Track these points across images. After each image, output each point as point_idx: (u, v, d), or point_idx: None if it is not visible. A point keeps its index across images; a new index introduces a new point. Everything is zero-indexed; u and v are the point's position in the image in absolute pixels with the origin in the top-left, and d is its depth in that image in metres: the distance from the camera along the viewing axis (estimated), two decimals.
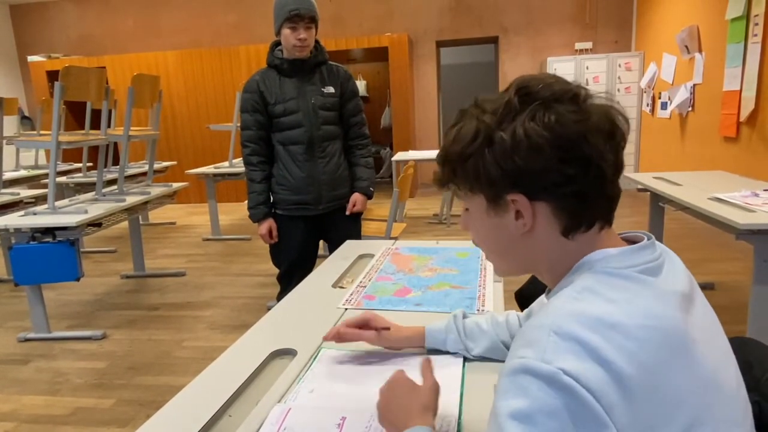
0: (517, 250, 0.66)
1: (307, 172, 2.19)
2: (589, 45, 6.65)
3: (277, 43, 2.16)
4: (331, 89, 2.19)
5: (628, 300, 0.56)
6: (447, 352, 1.00)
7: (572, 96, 0.60)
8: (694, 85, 4.96)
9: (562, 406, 0.49)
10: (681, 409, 0.52)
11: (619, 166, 0.62)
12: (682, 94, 5.15)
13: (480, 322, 1.01)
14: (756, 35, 3.88)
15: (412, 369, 0.97)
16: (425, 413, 0.71)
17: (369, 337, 1.01)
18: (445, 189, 0.68)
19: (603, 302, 0.55)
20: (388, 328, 1.01)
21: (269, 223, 2.25)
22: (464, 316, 1.02)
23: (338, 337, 1.02)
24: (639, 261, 0.60)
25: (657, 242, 0.66)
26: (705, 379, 0.55)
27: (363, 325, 1.02)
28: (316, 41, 2.16)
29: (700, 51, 4.84)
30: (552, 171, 0.59)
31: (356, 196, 2.31)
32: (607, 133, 0.60)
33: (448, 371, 0.95)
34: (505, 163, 0.60)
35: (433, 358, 0.98)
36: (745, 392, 0.62)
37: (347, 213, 2.32)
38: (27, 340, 2.88)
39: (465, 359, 0.99)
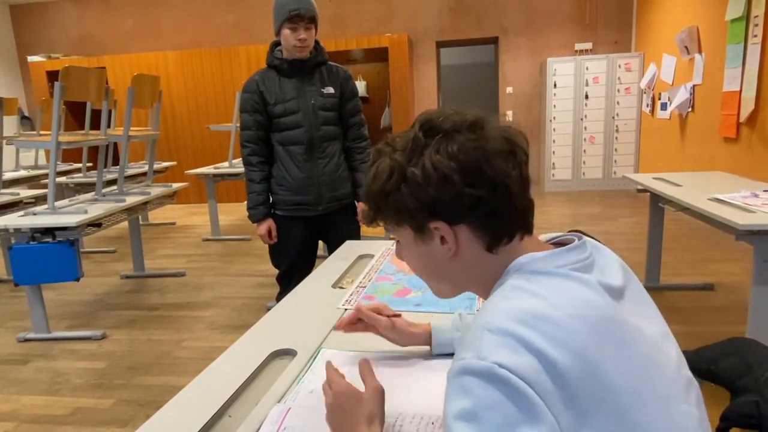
0: (449, 273, 0.71)
1: (307, 173, 2.19)
2: (589, 46, 6.66)
3: (277, 44, 2.16)
4: (330, 90, 2.19)
5: (554, 293, 0.59)
6: (441, 356, 1.00)
7: (469, 125, 0.65)
8: (694, 85, 4.96)
9: (503, 397, 0.51)
10: (616, 391, 0.55)
11: (525, 180, 0.67)
12: (681, 95, 5.15)
13: None
14: (756, 36, 3.89)
15: (413, 369, 0.98)
16: (371, 423, 0.72)
17: (382, 322, 0.99)
18: (374, 225, 0.73)
19: (530, 297, 0.59)
20: (399, 315, 1.01)
21: (268, 224, 2.25)
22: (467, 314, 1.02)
23: (350, 322, 1.01)
24: (566, 262, 0.64)
25: (589, 240, 0.70)
26: (639, 360, 0.58)
27: (375, 312, 1.01)
28: (316, 42, 2.16)
29: (699, 52, 4.84)
30: (463, 196, 0.63)
31: (362, 205, 2.34)
32: (508, 153, 0.65)
33: (442, 374, 0.95)
34: (420, 195, 0.65)
35: (429, 362, 0.99)
36: (688, 372, 0.65)
37: (358, 227, 2.36)
38: (27, 340, 2.88)
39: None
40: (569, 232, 0.73)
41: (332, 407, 0.76)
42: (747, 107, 4.01)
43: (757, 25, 3.87)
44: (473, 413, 0.52)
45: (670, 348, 0.65)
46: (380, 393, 0.76)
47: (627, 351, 0.57)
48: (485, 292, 0.70)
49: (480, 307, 1.15)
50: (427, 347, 1.02)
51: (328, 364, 0.83)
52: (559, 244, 0.71)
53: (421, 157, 0.65)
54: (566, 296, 0.59)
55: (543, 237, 0.74)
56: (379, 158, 0.69)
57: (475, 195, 0.63)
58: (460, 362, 0.56)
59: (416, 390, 0.91)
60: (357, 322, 1.02)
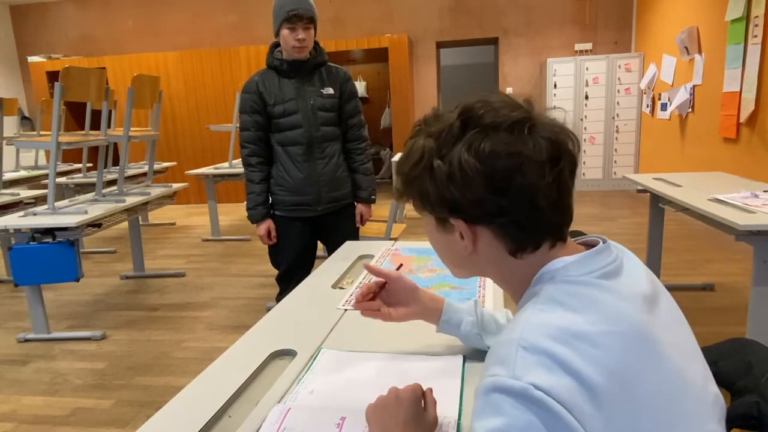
0: (468, 265, 0.69)
1: (306, 173, 2.19)
2: (588, 46, 6.66)
3: (277, 45, 2.16)
4: (330, 90, 2.19)
5: (589, 308, 0.57)
6: (447, 355, 1.00)
7: (512, 123, 0.60)
8: (694, 86, 4.96)
9: (537, 420, 0.49)
10: (651, 410, 0.53)
11: (563, 191, 0.62)
12: (681, 95, 5.15)
13: (497, 316, 1.00)
14: (756, 36, 3.89)
15: (413, 370, 0.98)
16: (406, 427, 0.70)
17: (392, 275, 0.97)
18: (402, 201, 0.70)
19: (566, 312, 0.56)
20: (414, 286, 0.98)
21: (268, 224, 2.25)
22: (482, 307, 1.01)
23: (364, 297, 0.97)
24: (597, 266, 0.61)
25: (612, 243, 0.67)
26: (672, 377, 0.56)
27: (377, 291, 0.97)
28: (316, 42, 2.16)
29: (699, 52, 4.84)
30: (485, 201, 0.60)
31: (360, 208, 2.35)
32: (548, 161, 0.60)
33: (448, 372, 0.95)
34: (442, 190, 0.62)
35: (428, 363, 0.99)
36: (714, 387, 0.63)
37: (357, 227, 2.37)
38: (26, 340, 2.88)
39: (464, 359, 0.99)
40: (591, 234, 0.70)
41: (372, 412, 0.75)
42: (747, 108, 4.01)
43: (757, 25, 3.87)
44: None
45: (698, 363, 0.62)
46: (416, 397, 0.74)
47: (661, 368, 0.55)
48: (509, 290, 0.68)
49: (509, 317, 1.09)
50: (430, 346, 1.02)
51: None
52: (585, 245, 0.67)
53: (451, 150, 0.61)
54: (602, 310, 0.56)
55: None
56: (415, 136, 0.66)
57: (498, 203, 0.60)
58: (493, 379, 0.53)
59: None
60: (370, 297, 0.97)
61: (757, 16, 3.87)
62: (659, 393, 0.54)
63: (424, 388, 0.77)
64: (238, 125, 3.60)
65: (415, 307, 0.98)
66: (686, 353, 0.61)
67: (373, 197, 2.38)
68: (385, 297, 0.98)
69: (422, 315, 0.99)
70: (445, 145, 0.61)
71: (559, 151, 0.61)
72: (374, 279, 1.00)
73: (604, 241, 0.66)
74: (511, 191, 0.59)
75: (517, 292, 0.67)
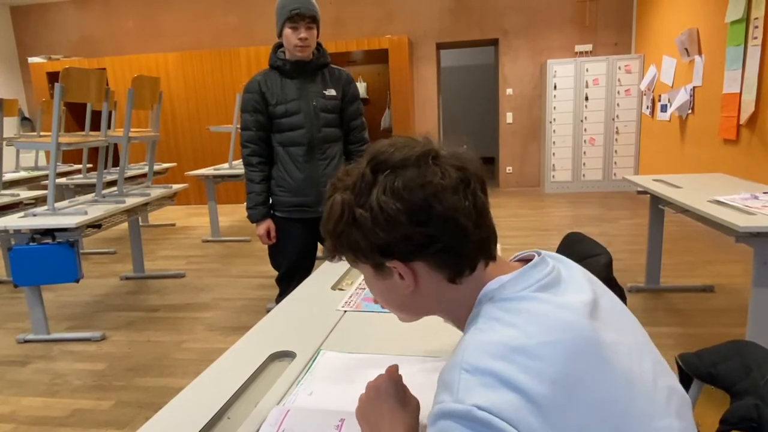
0: (413, 305, 0.70)
1: (307, 174, 2.19)
2: (588, 47, 6.66)
3: (280, 45, 2.17)
4: (332, 92, 2.20)
5: (526, 321, 0.58)
6: (446, 358, 1.00)
7: (417, 158, 0.63)
8: (694, 87, 4.97)
9: None
10: (600, 415, 0.53)
11: (481, 210, 0.64)
12: (681, 97, 5.16)
13: None
14: (756, 38, 3.89)
15: (412, 372, 0.97)
16: (393, 414, 0.72)
17: None
18: (336, 260, 0.71)
19: (504, 328, 0.58)
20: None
21: (267, 224, 2.25)
22: None
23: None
24: (533, 279, 0.63)
25: (548, 254, 0.68)
26: (618, 379, 0.56)
27: None
28: (318, 44, 2.16)
29: (699, 54, 4.84)
30: (413, 235, 0.62)
31: None
32: (459, 184, 0.62)
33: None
34: (371, 237, 0.63)
35: (432, 361, 0.98)
36: (669, 380, 0.63)
37: None
38: (26, 341, 2.88)
39: None
40: (528, 251, 0.71)
41: (361, 408, 0.76)
42: (747, 109, 4.01)
43: (757, 27, 3.87)
44: None
45: (645, 359, 0.63)
46: (397, 389, 0.76)
47: (606, 371, 0.56)
48: (453, 320, 0.70)
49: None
50: (429, 348, 1.02)
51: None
52: (523, 261, 0.70)
53: (369, 197, 0.63)
54: (539, 322, 0.58)
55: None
56: (332, 194, 0.68)
57: (425, 234, 0.61)
58: (439, 406, 0.54)
59: (414, 393, 0.90)
60: None
61: (756, 18, 3.87)
62: (606, 397, 0.54)
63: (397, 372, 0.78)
64: (238, 126, 3.59)
65: None
66: (632, 351, 0.61)
67: None
68: None
69: None
70: (362, 194, 0.64)
71: (466, 174, 0.63)
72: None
73: (539, 254, 0.68)
74: (433, 220, 0.61)
75: (463, 321, 0.67)
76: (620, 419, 0.54)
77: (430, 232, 0.61)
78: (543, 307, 0.59)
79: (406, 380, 0.95)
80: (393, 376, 0.77)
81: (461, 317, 0.67)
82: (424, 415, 0.80)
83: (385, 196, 0.62)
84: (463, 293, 0.66)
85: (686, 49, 5.05)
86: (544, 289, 0.62)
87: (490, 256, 0.66)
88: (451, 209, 0.61)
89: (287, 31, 2.06)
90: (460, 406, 0.52)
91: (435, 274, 0.65)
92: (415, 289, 0.67)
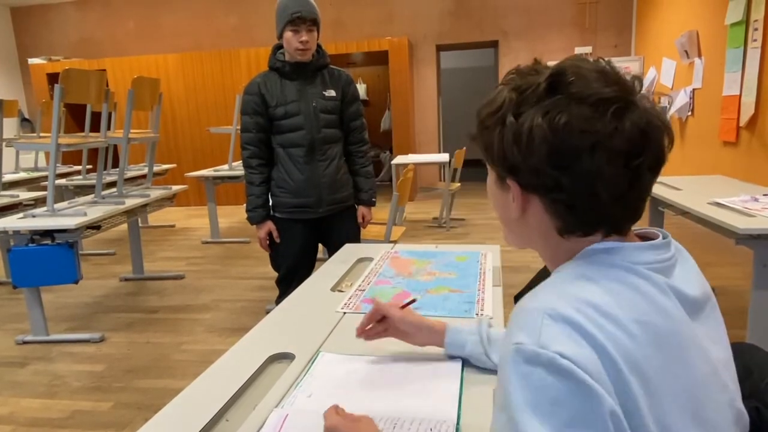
0: (517, 228, 0.66)
1: (308, 175, 2.19)
2: (588, 49, 6.67)
3: (279, 46, 2.17)
4: (332, 92, 2.20)
5: (626, 293, 0.55)
6: (446, 359, 0.99)
7: (599, 100, 0.55)
8: (694, 89, 4.97)
9: (565, 389, 0.48)
10: (664, 409, 0.52)
11: (632, 186, 0.56)
12: (681, 99, 5.16)
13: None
14: (755, 40, 3.89)
15: (412, 373, 0.97)
16: None
17: (395, 314, 0.99)
18: (473, 140, 0.66)
19: (599, 291, 0.54)
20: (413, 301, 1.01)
21: (268, 226, 2.25)
22: (489, 326, 1.00)
23: (368, 324, 1.01)
24: (648, 259, 0.58)
25: (674, 242, 0.64)
26: (696, 384, 0.55)
27: (381, 319, 1.00)
28: (318, 45, 2.16)
29: (699, 56, 4.85)
30: (544, 174, 0.57)
31: (361, 210, 2.36)
32: (626, 152, 0.55)
33: (446, 375, 0.94)
34: (507, 149, 0.59)
35: (427, 366, 0.98)
36: (740, 404, 0.61)
37: (362, 227, 2.39)
38: (25, 342, 2.87)
39: (463, 363, 0.98)
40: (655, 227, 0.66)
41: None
42: (747, 111, 4.01)
43: (756, 29, 3.87)
44: (536, 405, 0.49)
45: (728, 378, 0.61)
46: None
47: (686, 371, 0.54)
48: (551, 263, 0.66)
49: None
50: (429, 349, 1.01)
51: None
52: (642, 237, 0.64)
53: (529, 110, 0.57)
54: (637, 299, 0.54)
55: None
56: (504, 84, 0.62)
57: (555, 178, 0.56)
58: (519, 346, 0.51)
59: (414, 395, 0.90)
60: (374, 325, 1.01)
61: (756, 20, 3.87)
62: (678, 394, 0.53)
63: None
64: (238, 127, 3.58)
65: (418, 337, 1.00)
66: (718, 366, 0.59)
67: (373, 200, 2.39)
68: (387, 325, 1.01)
69: (426, 342, 1.01)
70: (525, 104, 0.58)
71: (645, 143, 0.56)
72: (371, 283, 1.00)
73: (665, 237, 0.63)
74: (573, 171, 0.55)
75: (557, 266, 0.64)
76: (681, 422, 0.53)
77: (562, 180, 0.56)
78: (646, 285, 0.56)
79: (406, 381, 0.95)
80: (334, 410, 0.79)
81: (559, 262, 0.63)
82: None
83: (542, 120, 0.55)
84: (568, 246, 0.61)
85: (686, 51, 5.05)
86: (658, 272, 0.57)
87: (614, 229, 0.60)
88: (598, 172, 0.55)
89: (288, 34, 2.06)
90: (544, 351, 0.49)
91: (546, 218, 0.61)
92: (521, 218, 0.63)
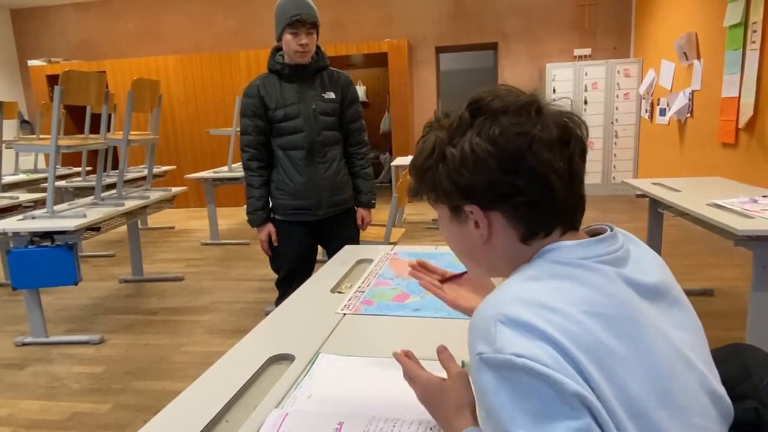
0: (482, 256, 0.69)
1: (307, 177, 2.19)
2: (587, 51, 6.68)
3: (279, 48, 2.17)
4: (331, 95, 2.20)
5: (573, 289, 0.57)
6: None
7: (520, 106, 0.61)
8: (693, 91, 4.98)
9: (531, 384, 0.51)
10: (627, 392, 0.53)
11: (574, 174, 0.62)
12: (680, 101, 5.17)
13: None
14: (754, 42, 3.90)
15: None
16: (460, 411, 0.70)
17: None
18: (416, 199, 0.71)
19: (546, 289, 0.57)
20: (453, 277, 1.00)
21: (268, 229, 2.25)
22: None
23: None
24: (595, 252, 0.61)
25: (621, 232, 0.67)
26: (657, 365, 0.56)
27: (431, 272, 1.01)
28: (318, 47, 2.16)
29: (698, 58, 4.86)
30: (498, 183, 0.60)
31: (361, 212, 2.36)
32: (557, 142, 0.60)
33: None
34: (455, 177, 0.62)
35: (431, 364, 0.98)
36: (717, 386, 0.62)
37: (362, 230, 2.39)
38: (24, 344, 2.87)
39: (463, 364, 0.98)
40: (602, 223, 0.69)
41: (423, 400, 0.77)
42: (746, 113, 4.02)
43: (755, 31, 3.88)
44: (512, 404, 0.52)
45: (697, 360, 0.62)
46: (464, 378, 0.74)
47: (647, 355, 0.56)
48: None
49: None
50: (428, 351, 1.01)
51: (403, 358, 0.80)
52: (592, 234, 0.67)
53: (462, 138, 0.62)
54: (585, 291, 0.57)
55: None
56: (428, 132, 0.67)
57: (510, 183, 0.60)
58: (479, 357, 0.55)
59: (414, 395, 0.90)
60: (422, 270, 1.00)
61: (755, 22, 3.88)
62: (638, 377, 0.54)
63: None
64: (238, 129, 3.59)
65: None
66: (682, 347, 0.61)
67: (373, 201, 2.39)
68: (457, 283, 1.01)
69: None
70: (457, 134, 0.63)
71: (568, 134, 0.62)
72: (371, 284, 0.99)
73: (611, 229, 0.66)
74: (523, 170, 0.59)
75: None
76: (647, 404, 0.54)
77: (517, 182, 0.60)
78: (593, 276, 0.58)
79: (405, 383, 0.95)
80: (412, 369, 0.79)
81: None
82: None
83: (479, 138, 0.61)
84: (531, 253, 0.64)
85: (685, 53, 5.06)
86: (606, 263, 0.60)
87: (570, 224, 0.64)
88: (544, 164, 0.59)
89: (287, 36, 2.06)
90: (499, 356, 0.53)
91: (509, 230, 0.63)
92: (487, 241, 0.65)
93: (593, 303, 0.56)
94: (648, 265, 0.65)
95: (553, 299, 0.56)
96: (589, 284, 0.58)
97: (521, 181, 0.60)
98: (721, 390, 0.63)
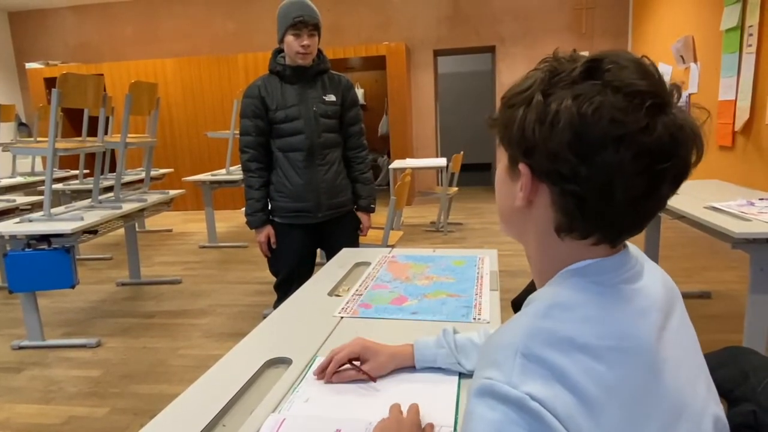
0: (515, 220, 0.64)
1: (307, 180, 2.19)
2: (585, 54, 6.70)
3: (280, 50, 2.17)
4: (332, 97, 2.20)
5: (600, 319, 0.54)
6: (440, 370, 0.99)
7: (637, 92, 0.51)
8: (690, 94, 4.99)
9: (528, 430, 0.48)
10: (646, 430, 0.52)
11: (651, 194, 0.54)
12: None
13: (472, 336, 0.99)
14: (750, 45, 3.92)
15: (407, 380, 0.97)
16: None
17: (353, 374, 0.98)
18: (492, 129, 0.63)
19: (574, 321, 0.54)
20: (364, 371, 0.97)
21: (267, 231, 2.25)
22: (455, 332, 1.01)
23: (334, 371, 0.98)
24: (619, 271, 0.58)
25: (631, 246, 0.64)
26: (672, 399, 0.54)
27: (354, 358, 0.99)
28: (319, 50, 2.17)
29: (695, 61, 4.88)
30: (561, 159, 0.53)
31: (361, 217, 2.36)
32: (653, 153, 0.51)
33: (443, 388, 0.94)
34: (527, 128, 0.55)
35: (428, 375, 0.98)
36: (716, 408, 0.61)
37: (362, 235, 2.39)
38: (21, 347, 2.86)
39: (460, 375, 0.98)
40: None
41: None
42: (742, 116, 4.03)
43: (751, 35, 3.90)
44: None
45: (701, 383, 0.60)
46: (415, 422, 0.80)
47: (662, 388, 0.54)
48: (537, 266, 0.64)
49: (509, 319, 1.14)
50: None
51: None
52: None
53: (560, 92, 0.53)
54: (612, 325, 0.54)
55: None
56: (538, 68, 0.59)
57: (572, 167, 0.52)
58: (489, 382, 0.51)
59: (411, 400, 0.90)
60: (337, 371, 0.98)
61: (751, 26, 3.90)
62: (656, 414, 0.53)
63: (423, 415, 0.81)
64: (236, 132, 3.58)
65: (384, 358, 0.98)
66: (690, 372, 0.59)
67: (372, 206, 2.39)
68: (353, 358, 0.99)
69: (395, 363, 0.99)
70: (556, 85, 0.54)
71: (674, 149, 0.53)
72: (368, 287, 0.99)
73: (624, 246, 0.62)
74: (593, 161, 0.51)
75: (543, 275, 0.63)
76: None
77: (579, 170, 0.52)
78: (621, 305, 0.55)
79: (403, 387, 0.94)
80: (416, 415, 0.81)
81: (543, 270, 0.62)
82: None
83: (571, 102, 0.52)
84: (558, 250, 0.59)
85: (682, 57, 5.08)
86: (628, 282, 0.57)
87: (611, 240, 0.58)
88: (618, 168, 0.51)
89: (289, 38, 2.07)
90: (513, 391, 0.49)
91: (549, 211, 0.57)
92: (524, 210, 0.60)
93: (620, 335, 0.53)
94: (656, 280, 0.63)
95: (581, 334, 0.52)
96: (617, 314, 0.55)
97: (585, 170, 0.52)
98: (719, 411, 0.62)
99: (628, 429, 0.51)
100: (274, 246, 2.27)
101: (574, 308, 0.55)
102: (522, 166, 0.57)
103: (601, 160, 0.51)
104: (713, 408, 0.60)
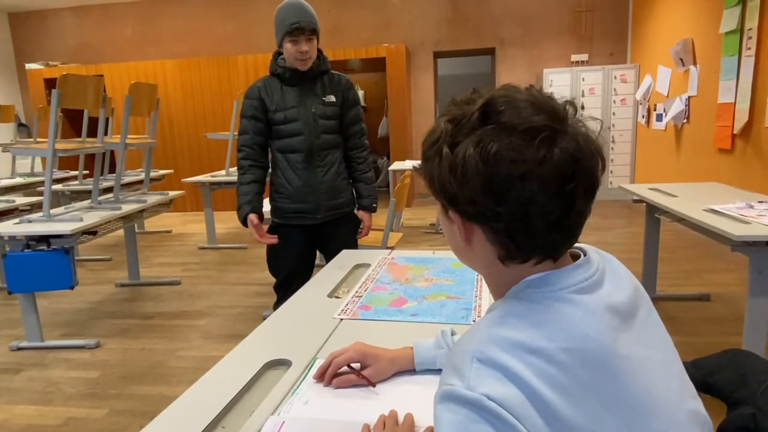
0: (465, 255, 0.68)
1: (306, 181, 2.19)
2: (584, 57, 6.71)
3: (281, 52, 2.17)
4: (332, 98, 2.20)
5: (551, 323, 0.56)
6: (439, 371, 0.99)
7: (528, 128, 0.55)
8: (689, 97, 5.00)
9: (490, 428, 0.51)
10: (605, 428, 0.53)
11: (568, 213, 0.58)
12: (677, 106, 5.19)
13: None
14: (749, 48, 3.93)
15: (406, 382, 0.97)
16: None
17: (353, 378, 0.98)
18: (420, 177, 0.67)
19: (525, 326, 0.56)
20: (365, 378, 0.97)
21: (253, 221, 2.16)
22: (452, 333, 1.01)
23: (332, 375, 0.98)
24: (575, 281, 0.60)
25: (594, 254, 0.65)
26: (632, 396, 0.55)
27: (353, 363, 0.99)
28: (319, 51, 2.17)
29: (694, 64, 4.88)
30: (480, 203, 0.57)
31: (362, 215, 2.35)
32: (557, 179, 0.55)
33: (427, 386, 0.94)
34: (444, 180, 0.60)
35: (427, 377, 0.98)
36: (694, 404, 0.62)
37: (363, 236, 2.37)
38: (19, 348, 2.85)
39: None
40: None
41: None
42: (741, 119, 4.04)
43: (750, 38, 3.91)
44: None
45: (672, 380, 0.61)
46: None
47: (623, 387, 0.55)
48: (493, 290, 0.68)
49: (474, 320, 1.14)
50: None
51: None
52: (571, 255, 0.66)
53: (464, 140, 0.57)
54: (563, 327, 0.56)
55: None
56: (443, 115, 0.63)
57: (491, 208, 0.57)
58: (449, 388, 0.54)
59: (411, 401, 0.90)
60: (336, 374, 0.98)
61: (750, 29, 3.91)
62: (616, 411, 0.54)
63: (420, 418, 0.81)
64: (236, 133, 3.60)
65: (384, 363, 0.99)
66: (658, 369, 0.60)
67: (374, 205, 2.38)
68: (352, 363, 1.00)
69: (395, 368, 1.00)
70: (459, 134, 0.58)
71: (576, 169, 0.56)
72: (368, 289, 0.99)
73: (585, 254, 0.65)
74: (507, 200, 0.56)
75: (498, 293, 0.66)
76: None
77: (498, 209, 0.57)
78: (575, 311, 0.57)
79: (402, 389, 0.94)
80: (412, 423, 0.82)
81: (497, 291, 0.66)
82: None
83: (473, 151, 0.56)
84: (507, 275, 0.63)
85: (681, 59, 5.09)
86: (582, 292, 0.59)
87: (552, 256, 0.61)
88: (530, 201, 0.55)
89: (287, 44, 2.07)
90: (471, 393, 0.52)
91: (488, 246, 0.61)
92: (467, 247, 0.64)
93: (572, 338, 0.55)
94: (621, 281, 0.64)
95: (533, 338, 0.55)
96: (567, 319, 0.56)
97: (504, 209, 0.56)
98: (698, 405, 0.62)
99: (586, 427, 0.52)
100: (265, 241, 2.20)
101: (526, 315, 0.57)
102: (452, 213, 0.62)
103: (513, 197, 0.56)
104: (690, 403, 0.61)
